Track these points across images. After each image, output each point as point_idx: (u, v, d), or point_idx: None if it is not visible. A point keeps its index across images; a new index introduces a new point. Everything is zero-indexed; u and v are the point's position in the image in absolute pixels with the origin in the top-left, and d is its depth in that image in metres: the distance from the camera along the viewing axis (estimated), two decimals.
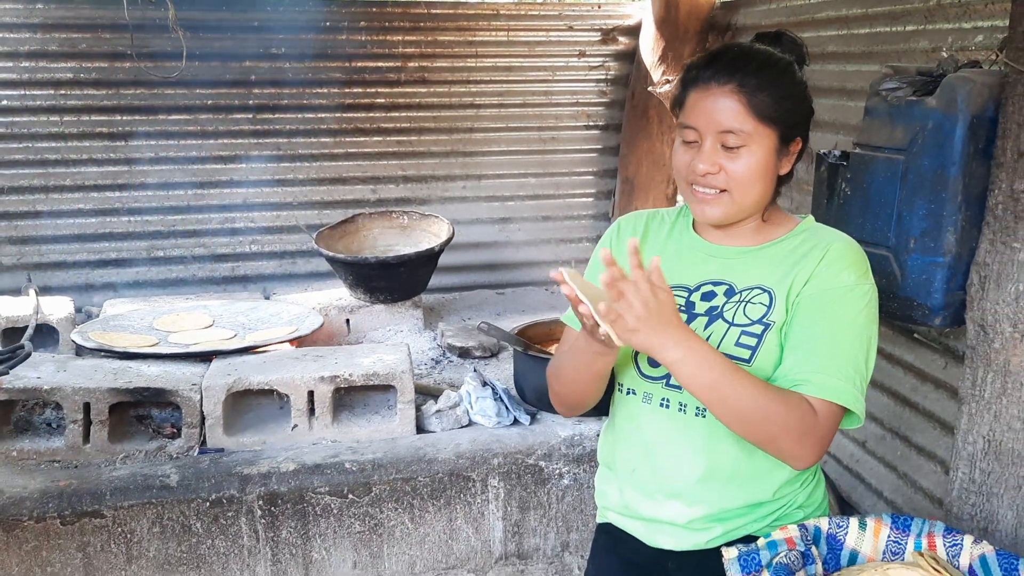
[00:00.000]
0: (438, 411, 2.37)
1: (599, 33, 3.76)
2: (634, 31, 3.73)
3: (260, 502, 2.09)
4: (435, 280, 3.35)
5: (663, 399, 1.47)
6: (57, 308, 2.86)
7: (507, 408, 2.36)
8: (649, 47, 3.59)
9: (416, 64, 3.65)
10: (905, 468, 2.35)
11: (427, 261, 3.11)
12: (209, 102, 3.49)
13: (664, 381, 1.46)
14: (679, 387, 1.43)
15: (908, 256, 1.88)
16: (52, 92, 3.34)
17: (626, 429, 1.54)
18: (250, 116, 3.53)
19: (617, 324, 1.22)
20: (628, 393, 1.53)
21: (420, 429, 2.35)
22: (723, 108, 1.35)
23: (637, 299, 1.21)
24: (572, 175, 3.96)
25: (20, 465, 2.13)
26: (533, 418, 2.39)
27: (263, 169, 3.61)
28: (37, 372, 2.20)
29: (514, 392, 2.51)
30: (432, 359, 2.90)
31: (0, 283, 3.35)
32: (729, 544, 1.46)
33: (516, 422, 2.36)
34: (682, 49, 3.48)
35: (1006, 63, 1.69)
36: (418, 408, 2.38)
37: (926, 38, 2.25)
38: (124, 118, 3.41)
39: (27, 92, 3.32)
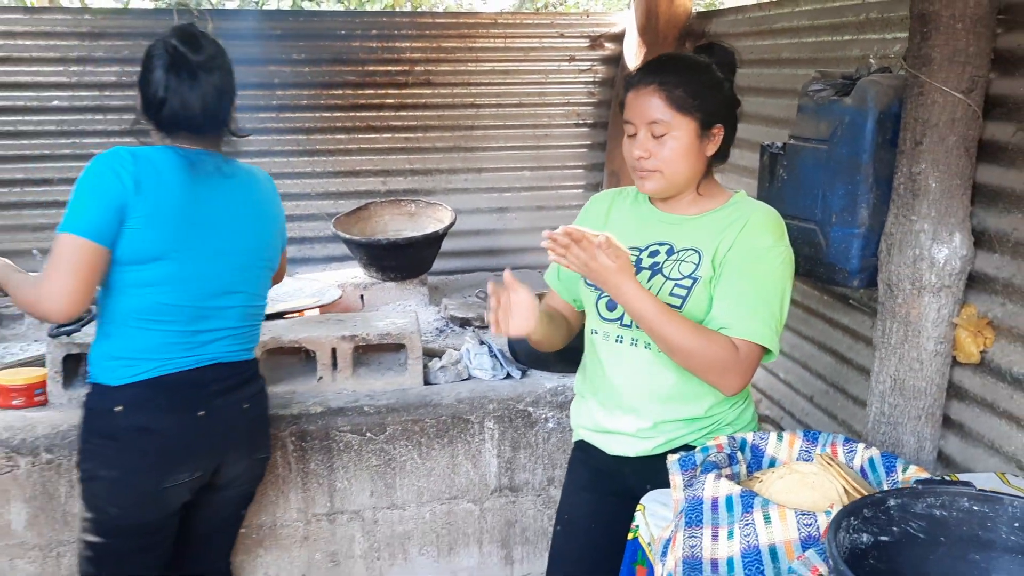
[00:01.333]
0: (442, 367, 2.77)
1: (587, 40, 4.14)
2: (619, 38, 4.12)
3: (292, 438, 2.48)
4: (439, 263, 3.74)
5: (618, 336, 1.87)
6: None
7: (501, 364, 2.75)
8: (632, 52, 3.97)
9: (422, 68, 4.03)
10: (844, 416, 2.73)
11: (432, 243, 3.51)
12: (237, 103, 3.87)
13: (619, 322, 1.86)
14: (630, 326, 1.83)
15: (831, 229, 2.26)
16: (97, 93, 3.72)
17: (593, 362, 1.94)
18: (273, 115, 3.92)
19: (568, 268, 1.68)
20: (592, 333, 1.93)
21: (427, 382, 2.74)
22: (649, 103, 1.74)
23: (577, 261, 1.65)
24: (563, 169, 4.34)
25: None
26: (523, 373, 2.77)
27: (284, 163, 3.99)
28: None
29: (507, 353, 2.89)
30: (437, 328, 3.29)
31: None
32: (672, 451, 1.86)
33: (509, 376, 2.75)
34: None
35: (906, 69, 2.08)
36: (425, 366, 2.76)
37: (858, 47, 2.63)
38: None
39: (75, 93, 3.70)
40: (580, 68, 4.17)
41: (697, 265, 1.80)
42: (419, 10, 3.80)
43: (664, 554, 1.69)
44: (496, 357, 2.76)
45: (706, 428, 1.89)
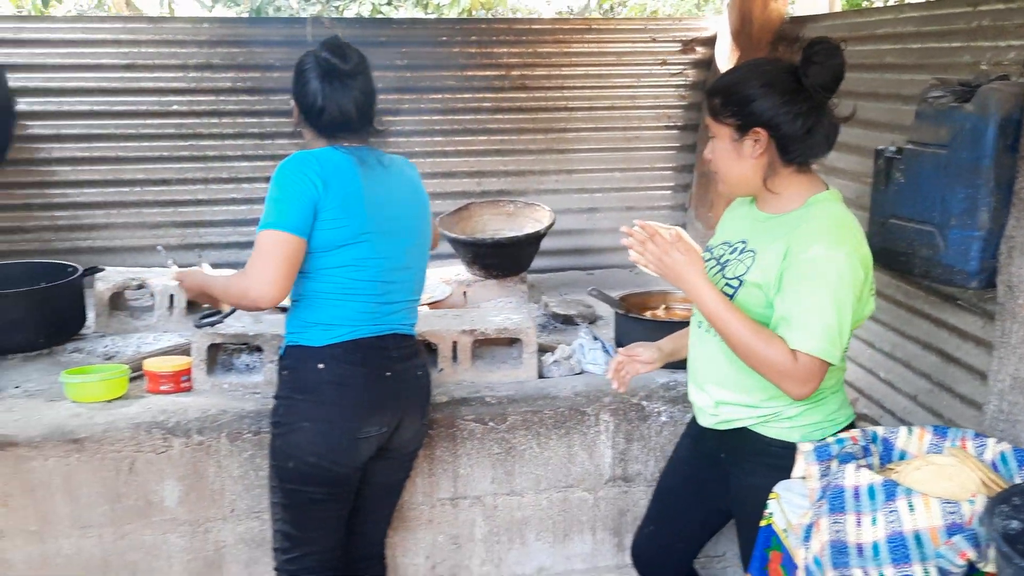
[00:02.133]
0: (555, 361, 2.89)
1: (679, 44, 4.22)
2: (710, 42, 4.19)
3: None
4: (532, 262, 3.86)
5: (699, 320, 2.08)
6: None
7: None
8: (725, 56, 4.05)
9: (518, 72, 4.15)
10: (951, 415, 2.79)
11: (534, 242, 3.63)
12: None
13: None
14: None
15: (950, 231, 2.32)
16: (214, 98, 3.91)
17: (690, 344, 2.14)
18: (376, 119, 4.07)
19: (646, 266, 1.92)
20: (693, 322, 2.14)
21: (540, 376, 2.86)
22: (707, 113, 1.96)
23: (652, 256, 1.88)
24: (652, 170, 4.44)
25: (230, 394, 2.69)
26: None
27: None
28: (240, 323, 2.76)
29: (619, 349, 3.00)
30: (539, 325, 3.41)
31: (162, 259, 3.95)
32: (731, 431, 2.04)
33: None
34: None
35: None
36: (538, 359, 2.89)
37: (968, 53, 2.68)
38: (272, 120, 3.97)
39: (193, 98, 3.90)
40: (671, 72, 4.26)
41: (749, 268, 1.93)
42: (517, 16, 3.93)
43: (807, 538, 1.79)
44: (608, 352, 2.87)
45: (762, 418, 2.00)
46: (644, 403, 2.72)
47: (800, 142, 1.87)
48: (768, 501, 2.00)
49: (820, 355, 1.79)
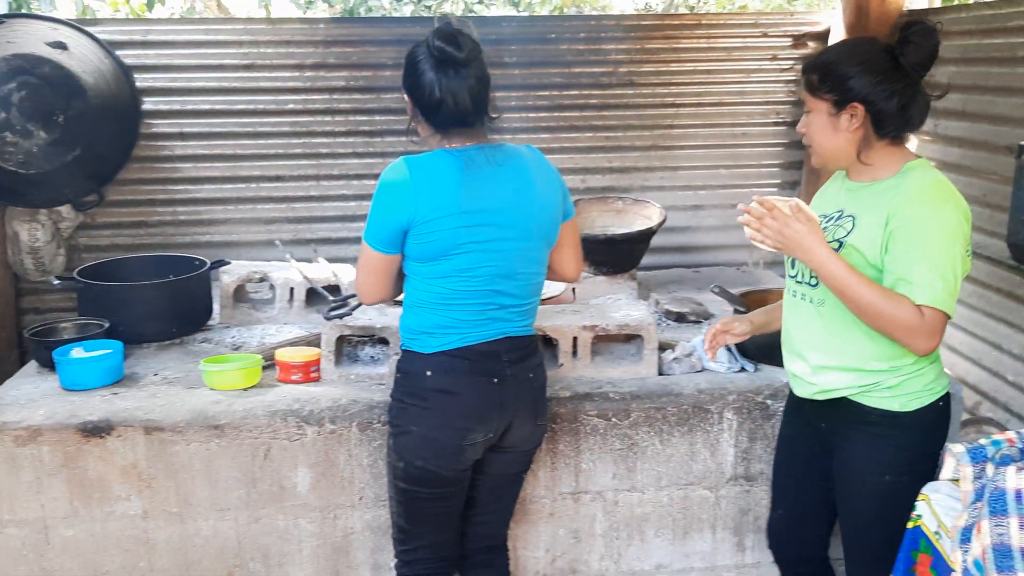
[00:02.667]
0: (675, 358, 2.88)
1: (790, 39, 4.16)
2: (823, 36, 4.12)
3: None
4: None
5: (793, 290, 2.17)
6: (342, 273, 3.50)
7: (736, 357, 2.84)
8: None
9: (625, 69, 4.15)
10: None
11: (645, 239, 3.62)
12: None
13: (795, 279, 2.15)
14: (802, 282, 2.11)
15: None
16: (328, 97, 4.01)
17: (785, 315, 2.22)
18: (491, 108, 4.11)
19: (760, 242, 1.97)
20: (787, 291, 2.20)
21: (660, 373, 2.85)
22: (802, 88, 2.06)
23: (772, 231, 1.93)
24: (759, 167, 4.37)
25: (357, 385, 2.75)
26: (756, 367, 2.85)
27: None
28: (367, 315, 2.82)
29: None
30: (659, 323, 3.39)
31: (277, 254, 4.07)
32: (830, 401, 2.09)
33: (743, 369, 2.84)
34: None
35: None
36: (657, 356, 2.88)
37: None
38: (382, 118, 4.05)
39: (308, 97, 4.01)
40: (782, 67, 4.20)
41: (849, 232, 2.00)
42: (626, 13, 3.93)
43: (965, 541, 1.74)
44: (730, 350, 2.84)
45: (862, 388, 2.05)
46: (768, 401, 2.69)
47: (895, 117, 1.96)
48: (917, 503, 1.96)
49: (943, 307, 1.88)
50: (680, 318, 3.41)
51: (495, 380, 2.14)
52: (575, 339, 2.82)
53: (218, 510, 2.59)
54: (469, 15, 7.87)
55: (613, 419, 2.67)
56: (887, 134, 1.99)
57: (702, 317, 3.43)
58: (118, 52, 3.77)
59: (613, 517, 2.74)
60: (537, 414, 2.27)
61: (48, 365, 2.76)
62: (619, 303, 3.17)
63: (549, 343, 2.85)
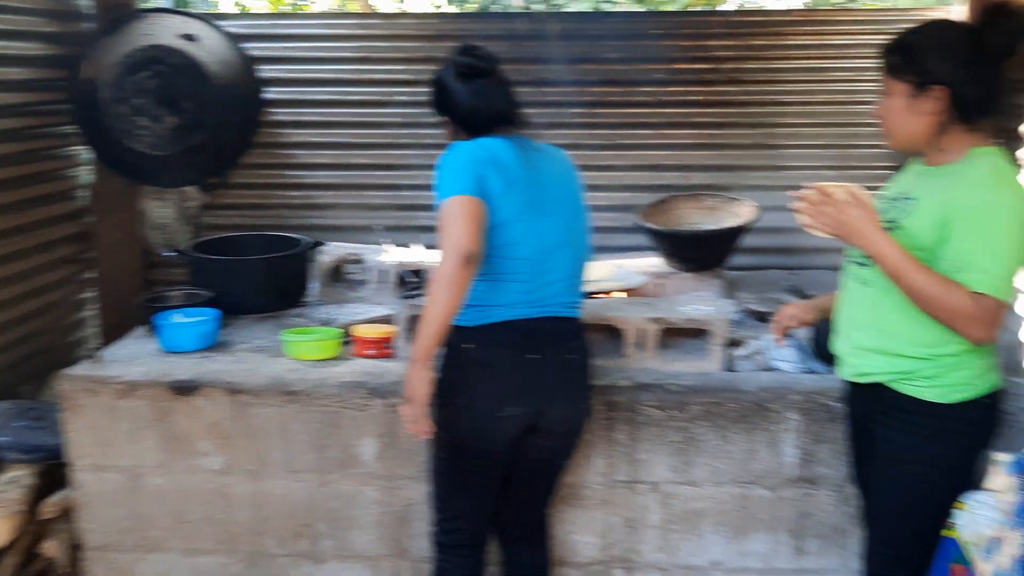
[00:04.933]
0: (744, 355, 2.84)
1: None
2: None
3: (602, 407, 2.66)
4: (735, 259, 3.78)
5: (852, 274, 2.15)
6: (430, 259, 3.63)
7: (806, 357, 2.78)
8: None
9: (730, 65, 4.09)
10: None
11: (733, 236, 3.57)
12: (552, 98, 4.17)
13: (848, 260, 2.15)
14: (857, 263, 2.10)
15: None
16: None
17: (842, 299, 2.22)
18: (585, 111, 4.16)
19: (816, 229, 2.00)
20: (844, 271, 2.20)
21: (727, 369, 2.83)
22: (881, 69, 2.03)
23: (828, 217, 1.94)
24: (869, 168, 4.20)
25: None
26: (827, 369, 2.78)
27: (591, 156, 4.21)
28: None
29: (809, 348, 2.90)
30: (734, 321, 3.34)
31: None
32: (866, 386, 2.10)
33: (812, 371, 2.77)
34: None
35: None
36: (726, 353, 2.85)
37: None
38: None
39: (415, 89, 4.14)
40: None
41: (908, 214, 1.98)
42: (732, 9, 3.89)
43: (991, 551, 1.68)
44: (803, 350, 2.78)
45: (900, 374, 2.03)
46: (834, 404, 2.62)
47: (976, 102, 1.94)
48: (953, 511, 1.89)
49: (999, 295, 1.86)
50: (762, 317, 3.34)
51: (536, 357, 2.22)
52: (641, 330, 2.83)
53: (291, 471, 2.77)
54: (613, 11, 7.91)
55: (671, 411, 2.67)
56: (966, 119, 1.96)
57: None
58: (244, 44, 4.06)
59: (668, 509, 2.74)
60: (577, 397, 2.32)
61: (153, 329, 3.03)
62: (691, 298, 3.15)
63: (616, 334, 2.88)
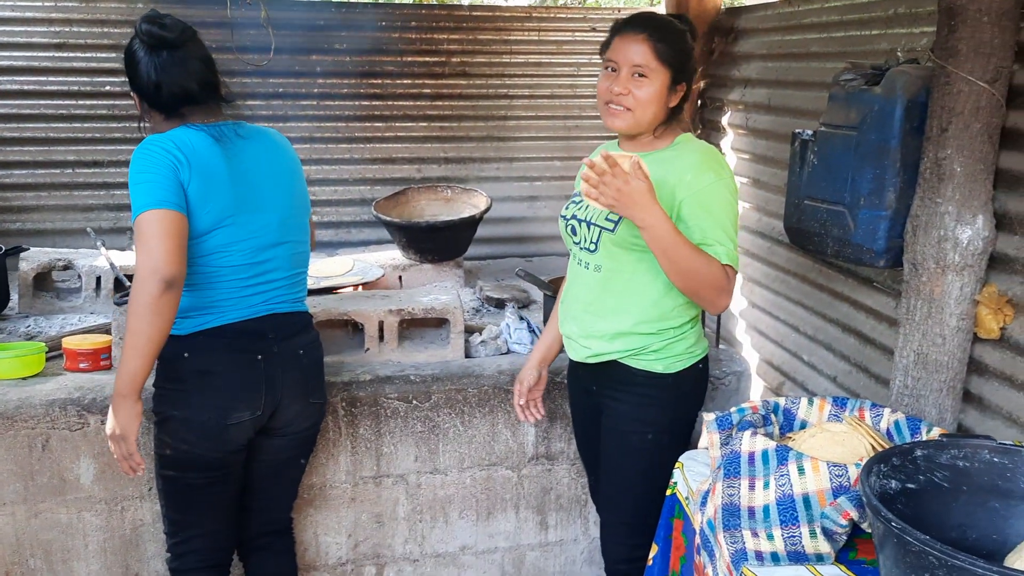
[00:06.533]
0: (482, 341, 2.90)
1: None
2: None
3: (343, 404, 2.61)
4: (472, 249, 3.86)
5: (577, 259, 2.22)
6: None
7: (537, 336, 2.88)
8: None
9: (458, 59, 4.17)
10: (867, 394, 2.85)
11: (469, 226, 3.64)
12: (280, 90, 4.04)
13: (578, 246, 2.20)
14: (588, 250, 2.15)
15: (859, 211, 2.38)
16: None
17: (569, 284, 2.28)
18: (315, 103, 4.07)
19: (598, 201, 1.91)
20: (572, 259, 2.27)
21: (468, 356, 2.87)
22: (637, 49, 2.03)
23: (610, 187, 1.86)
24: None
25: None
26: (560, 348, 2.90)
27: (324, 149, 4.14)
28: None
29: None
30: (473, 308, 3.42)
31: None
32: (600, 364, 2.17)
33: None
34: None
35: (933, 60, 2.20)
36: (466, 340, 2.90)
37: (886, 41, 2.75)
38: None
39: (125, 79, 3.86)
40: None
41: None
42: (455, 3, 3.96)
43: (703, 504, 1.82)
44: (535, 332, 2.89)
45: (630, 351, 2.15)
46: (565, 382, 2.74)
47: (687, 101, 2.14)
48: (673, 470, 2.04)
49: (737, 266, 2.02)
50: (500, 304, 3.44)
51: (258, 357, 2.10)
52: (381, 323, 2.81)
53: None
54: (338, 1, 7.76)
55: (414, 401, 2.67)
56: (676, 113, 2.12)
57: (522, 303, 3.48)
58: None
59: (416, 500, 2.74)
60: (309, 392, 2.24)
61: None
62: (430, 288, 3.17)
63: (357, 328, 2.83)
